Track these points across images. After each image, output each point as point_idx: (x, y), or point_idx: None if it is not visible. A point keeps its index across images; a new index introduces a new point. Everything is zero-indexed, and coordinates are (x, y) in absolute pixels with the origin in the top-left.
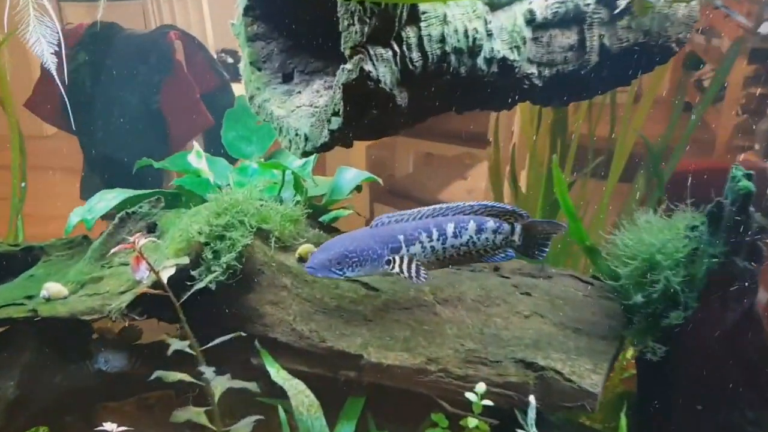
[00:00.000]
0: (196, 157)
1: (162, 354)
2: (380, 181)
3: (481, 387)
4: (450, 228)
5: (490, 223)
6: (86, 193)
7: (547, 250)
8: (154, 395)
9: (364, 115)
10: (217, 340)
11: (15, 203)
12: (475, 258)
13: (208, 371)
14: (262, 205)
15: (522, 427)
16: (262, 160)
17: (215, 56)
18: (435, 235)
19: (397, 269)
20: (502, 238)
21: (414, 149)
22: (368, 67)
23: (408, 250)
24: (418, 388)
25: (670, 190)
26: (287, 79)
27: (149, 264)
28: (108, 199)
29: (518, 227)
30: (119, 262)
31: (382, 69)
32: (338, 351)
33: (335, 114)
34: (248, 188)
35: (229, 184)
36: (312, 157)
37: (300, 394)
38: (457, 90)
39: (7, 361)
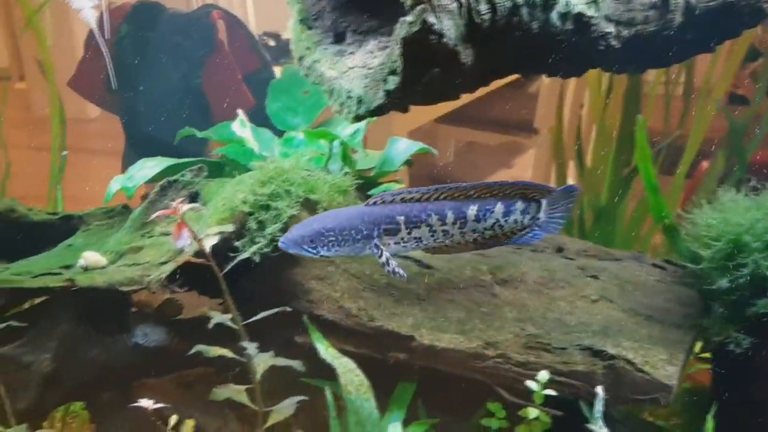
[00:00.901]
0: (240, 126)
1: (203, 330)
2: (435, 152)
3: (543, 375)
4: (472, 211)
5: (519, 203)
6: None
7: (562, 220)
8: (194, 373)
9: (424, 74)
10: (262, 315)
11: (54, 172)
12: (501, 241)
13: (250, 347)
14: (309, 175)
15: (587, 420)
16: (306, 129)
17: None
18: (450, 219)
19: (383, 260)
20: (530, 217)
21: (456, 137)
22: (431, 18)
23: (410, 234)
24: (474, 375)
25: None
26: (339, 38)
27: (192, 231)
28: (149, 167)
29: (544, 203)
30: (160, 231)
31: (446, 22)
32: (388, 331)
33: (392, 73)
34: (295, 157)
35: (273, 155)
36: (362, 127)
37: (350, 372)
38: (526, 50)
39: (43, 333)
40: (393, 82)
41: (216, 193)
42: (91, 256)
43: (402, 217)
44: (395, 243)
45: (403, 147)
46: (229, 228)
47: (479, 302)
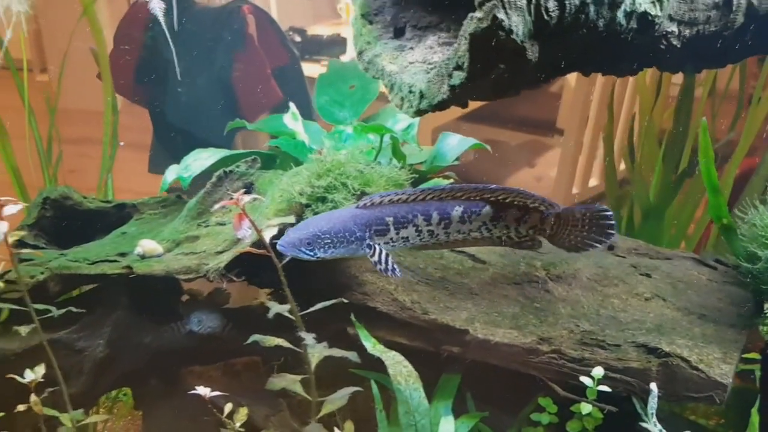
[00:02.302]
0: (292, 119)
1: (251, 319)
2: (488, 147)
3: (598, 371)
4: (457, 212)
5: (513, 211)
6: (155, 166)
7: (599, 242)
8: (240, 361)
9: (490, 69)
10: (319, 306)
11: (106, 160)
12: (496, 243)
13: (308, 337)
14: (364, 168)
15: (639, 417)
16: (356, 124)
17: None
18: (435, 219)
19: (375, 258)
20: (528, 227)
21: (478, 135)
22: (501, 15)
23: (398, 233)
24: (527, 369)
25: None
26: (399, 33)
27: (252, 222)
28: (203, 158)
29: (551, 217)
30: (216, 221)
31: (515, 18)
32: (442, 324)
33: (458, 68)
34: (351, 150)
35: (323, 148)
36: (416, 121)
37: (398, 364)
38: (590, 47)
39: (97, 319)
40: (458, 77)
41: (271, 185)
42: (147, 244)
43: (391, 218)
44: (385, 243)
45: (455, 142)
46: (291, 219)
47: (533, 298)
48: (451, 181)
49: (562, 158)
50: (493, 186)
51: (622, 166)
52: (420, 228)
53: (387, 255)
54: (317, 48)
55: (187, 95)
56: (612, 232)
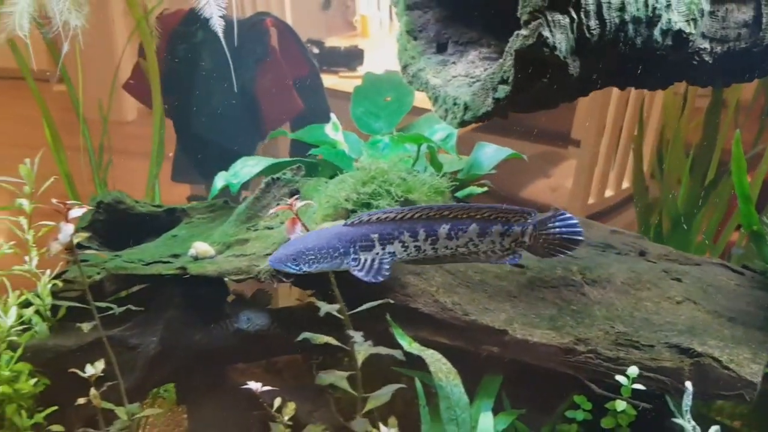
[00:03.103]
0: (333, 130)
1: (293, 319)
2: (525, 157)
3: (633, 370)
4: (443, 230)
5: (497, 226)
6: (178, 175)
7: (567, 249)
8: (282, 359)
9: (533, 84)
10: (366, 306)
11: (153, 168)
12: (481, 258)
13: (356, 335)
14: (407, 176)
15: (672, 414)
16: (394, 133)
17: None
18: (422, 236)
19: (359, 266)
20: (511, 240)
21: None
22: (546, 32)
23: (384, 249)
24: (564, 369)
25: None
26: (441, 49)
27: (304, 226)
28: (250, 165)
29: (529, 228)
30: (264, 225)
31: (559, 36)
32: (482, 325)
33: (503, 82)
34: (393, 158)
35: (361, 157)
36: (455, 131)
37: (438, 361)
38: (626, 63)
39: (150, 317)
40: (503, 90)
41: (316, 191)
42: (200, 246)
43: (376, 235)
44: (371, 258)
45: (491, 152)
46: (341, 224)
47: (569, 300)
48: (486, 189)
49: (578, 169)
50: (480, 204)
51: None
52: (406, 244)
53: (373, 260)
54: (335, 59)
55: (210, 106)
56: (580, 239)
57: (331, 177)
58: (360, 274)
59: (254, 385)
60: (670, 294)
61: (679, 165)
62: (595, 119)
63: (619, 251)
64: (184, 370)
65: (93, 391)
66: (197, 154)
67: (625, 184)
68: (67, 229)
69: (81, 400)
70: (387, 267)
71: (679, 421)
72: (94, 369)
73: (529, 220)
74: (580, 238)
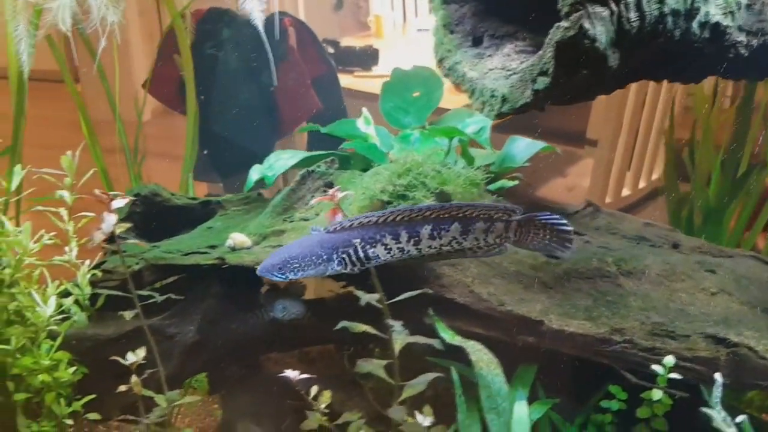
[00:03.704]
0: (365, 123)
1: (326, 309)
2: (558, 150)
3: (669, 359)
4: (426, 231)
5: (480, 224)
6: (201, 173)
7: (564, 247)
8: (315, 349)
9: (572, 75)
10: (404, 295)
11: (187, 162)
12: (467, 255)
13: (396, 324)
14: (441, 169)
15: (706, 404)
16: (426, 127)
17: None
18: (404, 238)
19: (348, 269)
20: (495, 236)
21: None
22: (587, 24)
23: (367, 253)
24: (600, 359)
25: None
26: (477, 42)
27: (345, 215)
28: (285, 158)
29: (513, 223)
30: (299, 217)
31: (599, 28)
32: (518, 315)
33: (543, 74)
34: (427, 151)
35: (392, 151)
36: (488, 125)
37: (479, 351)
38: (664, 55)
39: (188, 307)
40: (543, 82)
41: (350, 183)
42: (238, 237)
43: (358, 240)
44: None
45: (523, 145)
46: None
47: (604, 292)
48: (516, 183)
49: (595, 168)
50: (461, 203)
51: (654, 175)
52: (389, 246)
53: (357, 256)
54: (350, 59)
55: (230, 105)
56: (570, 245)
57: (364, 170)
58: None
59: (291, 374)
60: (704, 285)
61: (709, 160)
62: (612, 118)
63: (653, 243)
64: (219, 359)
65: (134, 378)
66: (217, 153)
67: (642, 183)
68: (110, 219)
69: (122, 388)
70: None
71: (710, 411)
72: (135, 356)
73: (513, 217)
74: (569, 228)
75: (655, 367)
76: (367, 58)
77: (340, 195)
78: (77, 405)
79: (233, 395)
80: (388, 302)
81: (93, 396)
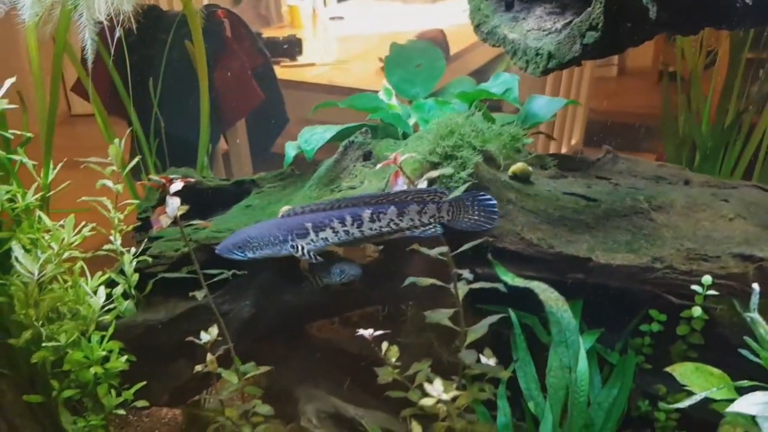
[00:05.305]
0: (386, 95)
1: (368, 273)
2: (581, 104)
3: (707, 279)
4: (366, 214)
5: (413, 206)
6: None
7: (490, 220)
8: (356, 313)
9: (619, 29)
10: (467, 245)
11: (203, 147)
12: (406, 234)
13: (464, 273)
14: (484, 128)
15: (739, 314)
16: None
17: None
18: (349, 221)
19: (299, 254)
20: (429, 216)
21: None
22: None
23: (317, 235)
24: (644, 286)
25: None
26: (509, 7)
27: (408, 177)
28: (320, 132)
29: (444, 205)
30: (347, 186)
31: None
32: (568, 255)
33: (592, 28)
34: (466, 114)
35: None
36: (515, 84)
37: (546, 291)
38: (696, 7)
39: (241, 283)
40: (592, 36)
41: (387, 150)
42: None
43: (310, 224)
44: (306, 243)
45: (544, 103)
46: (449, 171)
47: (640, 227)
48: (531, 141)
49: None
50: (397, 190)
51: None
52: (336, 230)
53: (308, 250)
54: (275, 50)
55: (168, 101)
56: (495, 217)
57: (398, 137)
58: (303, 257)
59: (366, 332)
60: (722, 213)
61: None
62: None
63: (669, 181)
64: (271, 331)
65: (210, 356)
66: (163, 149)
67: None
68: (173, 203)
69: (198, 368)
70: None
71: (750, 315)
72: (209, 335)
73: (443, 199)
74: (494, 202)
75: (695, 287)
76: (291, 48)
77: (402, 158)
78: (128, 394)
79: (287, 364)
80: (455, 252)
81: (143, 383)
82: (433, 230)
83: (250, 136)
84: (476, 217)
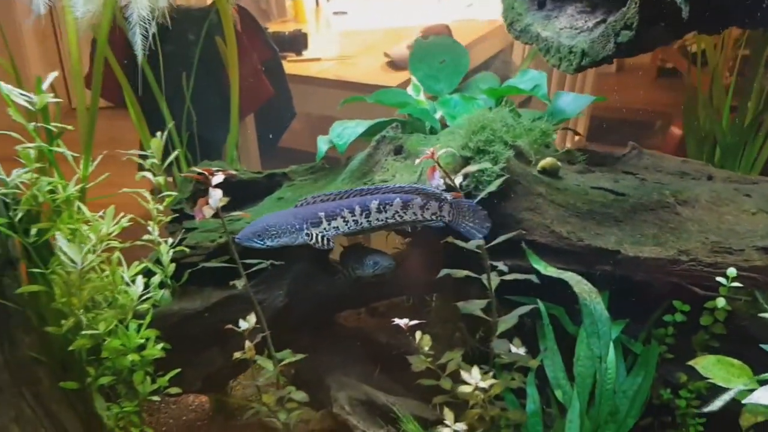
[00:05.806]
0: (415, 91)
1: (397, 261)
2: (605, 99)
3: (732, 271)
4: (374, 204)
5: (417, 200)
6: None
7: (483, 229)
8: (382, 304)
9: (652, 28)
10: (501, 238)
11: (233, 140)
12: (408, 228)
13: (500, 264)
14: (512, 123)
15: (757, 306)
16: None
17: None
18: (358, 211)
19: (313, 241)
20: (431, 212)
21: None
22: None
23: (329, 224)
24: (670, 278)
25: None
26: (541, 6)
27: (445, 172)
28: (351, 126)
29: (446, 205)
30: (379, 179)
31: None
32: (597, 248)
33: (627, 27)
34: (497, 110)
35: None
36: (544, 80)
37: (580, 282)
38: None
39: (276, 273)
40: (626, 35)
41: (418, 145)
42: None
43: (323, 213)
44: (319, 232)
45: (570, 99)
46: (486, 165)
47: (667, 220)
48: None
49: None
50: (403, 185)
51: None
52: (347, 219)
53: (322, 237)
54: (280, 44)
55: (177, 96)
56: (488, 225)
57: (428, 132)
58: (316, 245)
59: (401, 321)
60: (745, 207)
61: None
62: None
63: (693, 176)
64: (303, 321)
65: (248, 343)
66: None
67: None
68: (216, 194)
69: (237, 355)
70: (332, 242)
71: None
72: (247, 323)
73: (445, 199)
74: (485, 212)
75: (719, 279)
76: (296, 42)
77: (439, 152)
78: (163, 381)
79: (316, 352)
80: (489, 245)
81: (178, 370)
82: (435, 227)
83: (258, 131)
84: (471, 224)
